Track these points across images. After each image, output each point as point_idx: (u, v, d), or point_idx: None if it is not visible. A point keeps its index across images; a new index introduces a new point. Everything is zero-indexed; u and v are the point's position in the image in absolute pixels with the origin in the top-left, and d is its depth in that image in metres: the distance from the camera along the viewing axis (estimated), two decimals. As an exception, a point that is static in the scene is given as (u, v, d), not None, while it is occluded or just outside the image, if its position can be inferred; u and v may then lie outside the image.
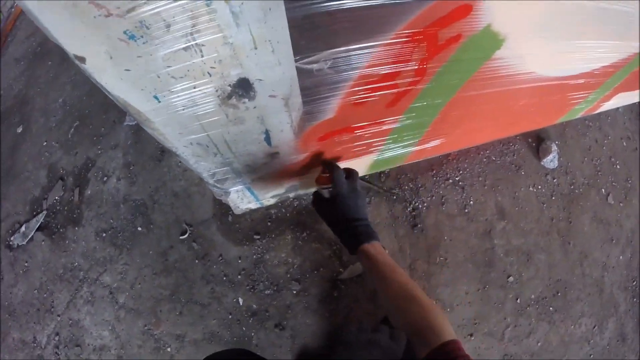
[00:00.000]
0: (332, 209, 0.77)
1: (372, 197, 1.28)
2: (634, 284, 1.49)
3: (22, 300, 1.36)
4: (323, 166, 0.86)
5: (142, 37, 0.45)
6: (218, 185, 1.04)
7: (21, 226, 1.43)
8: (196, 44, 0.50)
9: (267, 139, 0.87)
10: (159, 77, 0.53)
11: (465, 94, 0.93)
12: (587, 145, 1.56)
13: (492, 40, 0.75)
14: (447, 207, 1.30)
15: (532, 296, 1.31)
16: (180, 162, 1.34)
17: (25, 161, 1.58)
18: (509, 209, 1.35)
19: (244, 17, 0.48)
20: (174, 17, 0.44)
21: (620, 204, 1.54)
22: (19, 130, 1.69)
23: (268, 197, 1.22)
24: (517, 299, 1.28)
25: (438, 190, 1.31)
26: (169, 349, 1.23)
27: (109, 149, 1.48)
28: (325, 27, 0.57)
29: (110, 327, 1.28)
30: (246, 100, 0.71)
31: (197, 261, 1.28)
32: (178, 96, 0.60)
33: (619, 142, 1.63)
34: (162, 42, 0.47)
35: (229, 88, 0.65)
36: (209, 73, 0.56)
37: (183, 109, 0.64)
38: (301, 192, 1.26)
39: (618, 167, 1.59)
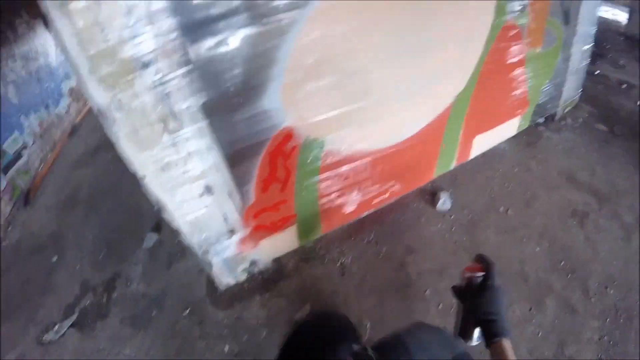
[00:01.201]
0: (482, 297, 0.81)
1: (311, 262, 1.81)
2: (562, 263, 1.71)
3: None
4: (477, 258, 0.90)
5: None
6: (204, 257, 1.54)
7: (55, 325, 1.87)
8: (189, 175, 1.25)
9: (225, 219, 1.45)
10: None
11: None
12: (478, 182, 2.04)
13: (314, 144, 1.38)
14: (365, 259, 1.81)
15: (454, 300, 1.63)
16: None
17: (61, 280, 2.11)
18: (417, 246, 1.81)
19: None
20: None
21: (522, 211, 1.89)
22: (54, 259, 2.24)
23: (239, 270, 1.74)
24: (438, 305, 1.63)
25: (358, 248, 1.85)
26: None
27: (132, 264, 2.07)
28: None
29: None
30: (210, 194, 1.34)
31: (195, 327, 1.73)
32: (181, 195, 1.29)
33: (510, 170, 2.08)
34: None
35: (205, 189, 1.32)
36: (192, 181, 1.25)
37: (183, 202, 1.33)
38: (262, 265, 1.79)
39: (512, 187, 2.00)
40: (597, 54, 2.57)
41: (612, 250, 1.74)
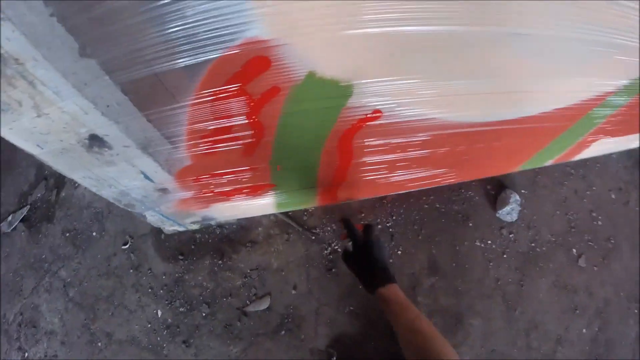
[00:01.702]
0: (353, 259, 0.89)
1: (291, 235, 1.27)
2: None
3: (0, 280, 1.60)
4: (342, 224, 0.98)
5: (7, 110, 0.63)
6: (129, 209, 1.12)
7: (9, 215, 1.66)
8: (44, 113, 0.65)
9: (147, 177, 0.94)
10: (32, 133, 0.70)
11: (343, 143, 0.88)
12: (562, 196, 1.35)
13: (331, 88, 0.70)
14: (368, 254, 1.24)
15: None
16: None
17: (22, 157, 1.80)
18: (444, 265, 1.25)
19: (63, 94, 0.61)
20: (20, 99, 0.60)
21: (595, 268, 1.33)
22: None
23: (187, 222, 1.27)
24: None
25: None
26: (99, 344, 1.37)
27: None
28: (149, 89, 0.65)
29: (59, 316, 1.45)
30: (106, 149, 0.80)
31: (131, 270, 1.39)
32: (53, 145, 0.74)
33: (605, 194, 1.39)
34: (20, 114, 0.64)
35: (87, 141, 0.77)
36: (65, 130, 0.71)
37: (62, 154, 0.77)
38: (222, 220, 1.30)
39: (599, 222, 1.36)
40: None
41: None
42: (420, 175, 1.13)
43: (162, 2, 0.51)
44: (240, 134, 0.80)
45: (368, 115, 0.80)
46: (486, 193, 1.32)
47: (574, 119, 1.14)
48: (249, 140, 0.83)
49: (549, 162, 1.41)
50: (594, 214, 1.36)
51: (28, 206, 1.65)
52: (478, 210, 1.30)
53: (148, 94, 0.66)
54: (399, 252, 1.24)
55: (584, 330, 1.29)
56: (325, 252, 1.25)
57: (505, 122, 0.99)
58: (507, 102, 0.92)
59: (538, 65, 0.80)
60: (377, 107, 0.79)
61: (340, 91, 0.72)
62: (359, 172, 1.06)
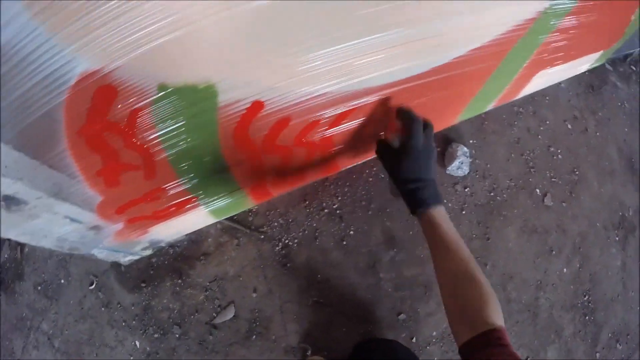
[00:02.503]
0: (402, 162, 0.70)
1: (240, 239, 1.24)
2: (585, 299, 1.24)
3: (-7, 347, 1.63)
4: (398, 114, 0.78)
5: None
6: (74, 252, 1.12)
7: None
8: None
9: (73, 220, 0.92)
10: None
11: (240, 142, 0.85)
12: (515, 137, 1.29)
13: (191, 94, 0.67)
14: (320, 242, 1.21)
15: (434, 333, 1.17)
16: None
17: None
18: (400, 236, 1.21)
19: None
20: None
21: (563, 204, 1.27)
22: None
23: (138, 250, 1.26)
24: (412, 338, 1.16)
25: (311, 223, 1.22)
26: (91, 387, 1.38)
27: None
28: (36, 139, 0.63)
29: (51, 369, 1.47)
30: (23, 204, 0.79)
31: (103, 309, 1.39)
32: None
33: (560, 125, 1.32)
34: None
35: (3, 202, 0.75)
36: None
37: None
38: (170, 240, 1.29)
39: (560, 156, 1.30)
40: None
41: None
42: (346, 152, 1.09)
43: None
44: (129, 161, 0.78)
45: (248, 110, 0.77)
46: None
47: (500, 55, 1.07)
48: (141, 164, 0.81)
49: (491, 106, 1.35)
50: (552, 149, 1.29)
51: None
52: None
53: (38, 143, 0.65)
54: (351, 232, 1.20)
55: (565, 270, 1.23)
56: (277, 248, 1.22)
57: (419, 77, 0.93)
58: (417, 53, 0.86)
59: (440, 3, 0.74)
60: (254, 98, 0.75)
61: (202, 94, 0.68)
62: (279, 164, 1.02)
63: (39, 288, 1.54)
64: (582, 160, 1.31)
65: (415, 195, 0.67)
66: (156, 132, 0.73)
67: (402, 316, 1.17)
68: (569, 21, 1.08)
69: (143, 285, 1.33)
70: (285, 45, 0.66)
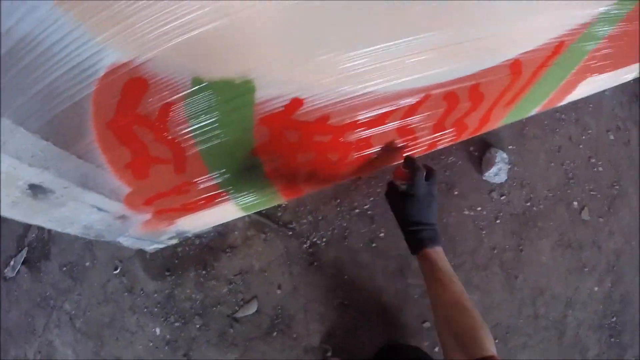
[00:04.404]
0: (404, 206, 0.77)
1: (268, 234, 1.23)
2: (613, 320, 1.20)
3: (15, 323, 1.66)
4: (404, 161, 0.85)
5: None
6: (101, 239, 1.12)
7: (11, 260, 1.72)
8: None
9: (100, 209, 0.92)
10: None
11: (275, 140, 0.83)
12: (555, 145, 1.24)
13: (227, 89, 0.64)
14: (349, 242, 1.19)
15: None
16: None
17: None
18: (431, 240, 1.17)
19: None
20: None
21: (600, 219, 1.22)
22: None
23: (164, 239, 1.26)
24: (434, 348, 1.13)
25: (341, 222, 1.20)
26: (109, 369, 1.40)
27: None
28: (64, 129, 0.63)
29: (72, 348, 1.49)
30: (50, 193, 0.79)
31: (126, 294, 1.40)
32: (4, 200, 0.69)
33: (603, 136, 1.26)
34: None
35: (29, 191, 0.76)
36: (5, 187, 0.66)
37: (15, 205, 0.73)
38: (197, 231, 1.28)
39: (600, 168, 1.24)
40: None
41: None
42: (383, 154, 1.06)
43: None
44: (159, 155, 0.76)
45: (286, 107, 0.74)
46: (469, 156, 1.23)
47: (549, 60, 1.03)
48: (172, 158, 0.79)
49: (535, 111, 1.30)
50: (592, 160, 1.24)
51: (26, 248, 1.71)
52: (462, 176, 1.21)
53: (66, 133, 0.64)
54: (382, 235, 1.18)
55: (596, 289, 1.19)
56: (305, 246, 1.21)
57: (465, 79, 0.90)
58: (466, 54, 0.83)
59: (496, 5, 0.71)
60: (293, 96, 0.72)
61: (239, 90, 0.66)
62: (313, 162, 1.00)
63: (64, 269, 1.56)
64: (624, 174, 1.25)
65: (414, 236, 0.75)
66: (189, 127, 0.70)
67: (426, 324, 1.14)
68: (619, 28, 1.02)
69: (167, 273, 1.33)
70: (327, 43, 0.63)
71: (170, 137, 0.72)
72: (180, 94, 0.62)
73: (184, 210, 1.09)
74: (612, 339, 1.25)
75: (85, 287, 1.50)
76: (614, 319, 1.26)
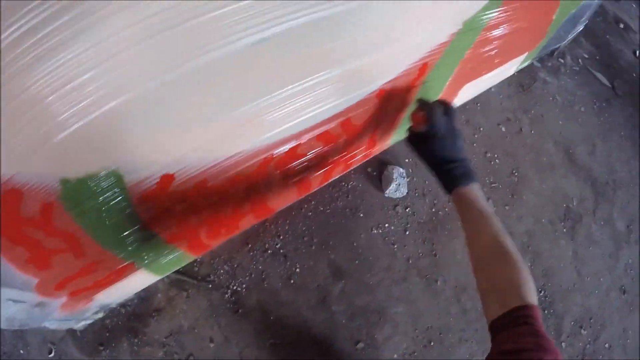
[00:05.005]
0: (430, 148, 0.75)
1: (189, 291, 1.23)
2: (542, 293, 1.27)
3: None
4: (419, 105, 0.84)
5: None
6: (26, 328, 1.10)
7: None
8: None
9: (16, 301, 0.91)
10: None
11: (157, 213, 0.85)
12: (449, 151, 1.30)
13: (96, 183, 0.66)
14: (269, 283, 1.21)
15: (395, 356, 1.18)
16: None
17: None
18: (347, 266, 1.21)
19: None
20: None
21: (506, 207, 1.30)
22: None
23: (90, 315, 1.24)
24: None
25: (257, 265, 1.22)
26: None
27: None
28: None
29: None
30: None
31: (64, 376, 1.37)
32: None
33: (495, 130, 1.35)
34: None
35: None
36: None
37: None
38: (120, 301, 1.27)
39: (497, 161, 1.32)
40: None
41: (596, 274, 1.45)
42: (277, 195, 1.09)
43: None
44: (55, 247, 0.77)
45: (158, 184, 0.76)
46: (368, 176, 1.27)
47: (418, 80, 1.08)
48: (67, 247, 0.79)
49: None
50: (489, 155, 1.31)
51: None
52: (365, 197, 1.25)
53: None
54: (297, 270, 1.20)
55: None
56: (227, 295, 1.22)
57: (337, 116, 0.93)
58: (327, 96, 0.86)
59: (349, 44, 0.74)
60: (162, 173, 0.74)
61: (107, 180, 0.67)
62: (209, 218, 1.02)
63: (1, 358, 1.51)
64: (520, 161, 1.33)
65: (447, 176, 0.72)
66: (72, 218, 0.71)
67: (360, 345, 1.18)
68: (484, 35, 1.09)
69: (101, 348, 1.31)
70: (183, 119, 0.65)
71: (58, 231, 0.72)
72: (53, 195, 0.63)
73: (98, 287, 1.08)
74: (546, 311, 1.33)
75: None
76: (542, 292, 1.34)
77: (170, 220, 0.93)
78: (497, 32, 1.12)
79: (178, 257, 1.14)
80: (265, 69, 0.66)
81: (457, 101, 1.37)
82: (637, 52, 2.13)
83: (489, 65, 1.34)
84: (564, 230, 1.41)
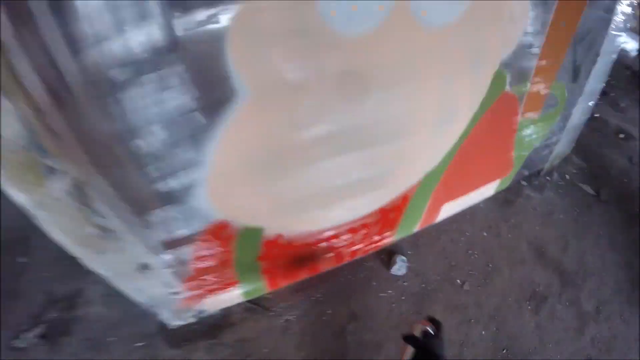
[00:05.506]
0: (434, 347, 1.12)
1: (257, 315, 1.88)
2: (504, 352, 1.74)
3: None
4: (429, 318, 1.27)
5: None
6: (153, 309, 1.73)
7: (23, 333, 1.79)
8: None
9: (166, 285, 1.59)
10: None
11: (268, 252, 1.62)
12: (441, 247, 1.89)
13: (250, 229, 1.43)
14: (308, 317, 1.84)
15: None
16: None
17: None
18: (361, 312, 1.82)
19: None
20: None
21: (479, 288, 1.82)
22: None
23: (187, 317, 1.89)
24: None
25: (303, 305, 1.87)
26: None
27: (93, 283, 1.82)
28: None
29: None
30: (149, 271, 1.47)
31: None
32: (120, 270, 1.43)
33: (477, 234, 1.89)
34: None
35: (140, 268, 1.45)
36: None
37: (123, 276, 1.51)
38: (211, 312, 1.91)
39: (476, 256, 1.85)
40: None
41: (559, 342, 1.72)
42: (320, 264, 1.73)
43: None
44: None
45: (276, 237, 1.47)
46: (381, 260, 1.93)
47: (404, 204, 1.67)
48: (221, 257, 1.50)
49: (415, 229, 1.92)
50: (469, 252, 1.86)
51: (43, 325, 1.84)
52: (377, 273, 1.88)
53: None
54: (329, 312, 1.82)
55: (483, 332, 1.76)
56: (281, 321, 1.86)
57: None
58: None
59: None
60: (279, 232, 1.45)
61: (256, 230, 1.39)
62: (286, 265, 1.67)
63: (86, 343, 1.87)
64: (496, 256, 1.85)
65: None
66: (234, 245, 1.44)
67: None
68: (448, 176, 1.63)
69: (184, 343, 1.94)
70: (299, 206, 1.43)
71: (225, 251, 1.43)
72: (236, 232, 1.36)
73: (211, 292, 1.72)
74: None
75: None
76: (504, 351, 1.76)
77: (269, 259, 1.56)
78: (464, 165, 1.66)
79: (260, 287, 1.78)
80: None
81: (441, 217, 1.82)
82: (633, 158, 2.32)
83: (461, 190, 1.81)
84: (529, 307, 1.83)
